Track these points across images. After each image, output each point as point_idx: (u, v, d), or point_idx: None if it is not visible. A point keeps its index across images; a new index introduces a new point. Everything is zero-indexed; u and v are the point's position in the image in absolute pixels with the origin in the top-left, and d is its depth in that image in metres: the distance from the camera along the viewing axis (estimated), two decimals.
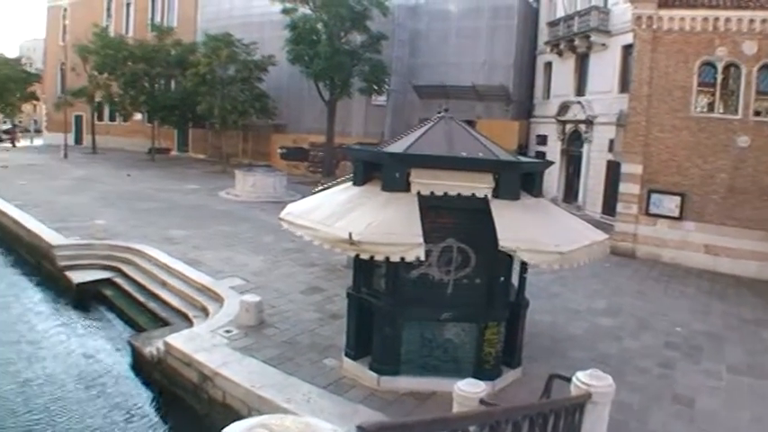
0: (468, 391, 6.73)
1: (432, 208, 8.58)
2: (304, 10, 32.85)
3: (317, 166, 36.61)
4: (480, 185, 8.57)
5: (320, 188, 10.35)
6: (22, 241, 21.83)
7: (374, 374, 9.44)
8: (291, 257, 17.14)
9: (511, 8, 32.34)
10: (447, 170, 8.64)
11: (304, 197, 10.15)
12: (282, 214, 9.44)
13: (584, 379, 6.04)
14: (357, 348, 9.90)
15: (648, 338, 12.74)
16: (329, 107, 33.98)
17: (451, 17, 33.83)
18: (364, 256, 8.19)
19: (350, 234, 7.83)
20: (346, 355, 10.06)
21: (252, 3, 40.69)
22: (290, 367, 10.04)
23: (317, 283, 15.00)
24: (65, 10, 62.49)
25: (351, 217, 8.31)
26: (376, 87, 33.58)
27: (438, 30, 34.09)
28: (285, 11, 32.91)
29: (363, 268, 9.56)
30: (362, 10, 32.14)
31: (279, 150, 40.04)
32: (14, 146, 62.79)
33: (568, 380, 6.28)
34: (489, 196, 8.62)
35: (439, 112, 10.03)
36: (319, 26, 32.46)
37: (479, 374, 8.57)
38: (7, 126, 77.56)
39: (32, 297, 17.73)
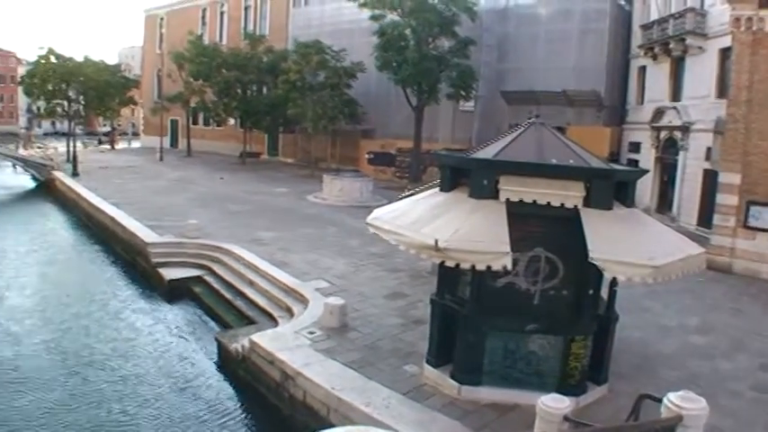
0: (552, 406, 6.50)
1: (520, 216, 8.36)
2: (393, 16, 32.94)
3: (404, 172, 36.67)
4: (571, 194, 8.32)
5: (407, 193, 10.29)
6: (118, 238, 22.85)
7: (455, 383, 9.30)
8: (376, 262, 17.19)
9: (602, 11, 31.38)
10: (537, 177, 8.41)
11: (390, 202, 10.15)
12: (369, 219, 9.44)
13: (676, 401, 5.76)
14: (439, 356, 9.78)
15: (743, 359, 12.01)
16: (417, 113, 33.94)
17: (540, 21, 33.11)
18: (450, 264, 8.07)
19: (436, 240, 7.75)
20: (428, 362, 9.96)
21: (342, 10, 41.11)
22: (371, 371, 10.04)
23: (401, 288, 14.97)
24: (161, 19, 65.24)
25: (437, 223, 8.24)
26: (464, 93, 33.27)
27: (526, 34, 33.44)
28: (374, 17, 33.10)
29: (448, 275, 9.43)
30: (451, 15, 31.98)
31: (366, 155, 40.34)
32: (113, 148, 66.01)
33: (659, 400, 6.01)
34: (580, 205, 8.36)
35: (529, 118, 9.81)
36: (407, 32, 32.43)
37: (564, 389, 8.30)
38: (107, 129, 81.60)
39: (127, 292, 18.61)
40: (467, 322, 9.11)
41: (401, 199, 10.05)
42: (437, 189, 9.62)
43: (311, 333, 11.62)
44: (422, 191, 10.07)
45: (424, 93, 33.07)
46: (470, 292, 9.08)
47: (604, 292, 9.68)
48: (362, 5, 33.38)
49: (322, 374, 9.87)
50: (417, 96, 33.52)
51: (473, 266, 7.95)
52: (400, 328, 12.15)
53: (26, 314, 16.14)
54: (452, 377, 9.38)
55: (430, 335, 10.04)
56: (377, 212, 9.64)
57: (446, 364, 9.66)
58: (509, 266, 7.89)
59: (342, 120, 37.98)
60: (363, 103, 38.93)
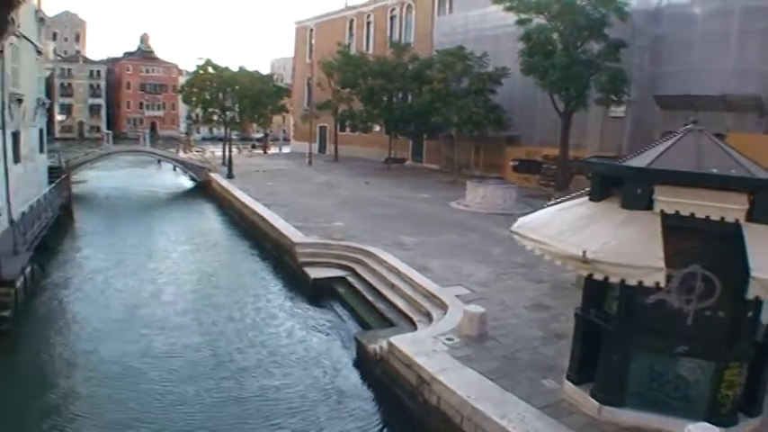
0: None
1: (675, 229, 7.81)
2: (539, 20, 32.04)
3: (550, 180, 35.67)
4: (732, 207, 7.68)
5: (553, 202, 9.94)
6: (267, 237, 23.93)
7: (595, 402, 8.85)
8: (518, 271, 16.81)
9: (765, 10, 28.84)
10: (695, 188, 7.86)
11: (534, 210, 9.83)
12: (514, 227, 9.18)
13: None
14: (580, 373, 9.37)
15: None
16: (564, 119, 32.82)
17: (696, 21, 30.88)
18: (598, 277, 7.71)
19: (584, 252, 7.42)
20: (568, 378, 9.58)
21: (486, 16, 40.57)
22: (508, 383, 9.80)
23: (543, 299, 14.53)
24: (311, 30, 67.75)
25: (585, 234, 7.88)
26: (614, 98, 31.70)
27: (681, 35, 31.27)
28: (520, 22, 32.35)
29: (595, 289, 8.97)
30: (600, 17, 30.65)
31: (511, 162, 39.66)
32: (265, 152, 69.38)
33: None
34: (742, 219, 7.72)
35: (686, 124, 9.17)
36: (554, 36, 31.52)
37: (713, 418, 7.74)
38: (260, 135, 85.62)
39: (275, 288, 19.54)
40: (612, 340, 8.65)
41: (548, 207, 9.69)
42: (586, 198, 9.22)
43: (449, 339, 11.54)
44: (569, 200, 9.68)
45: (572, 98, 31.95)
46: (618, 307, 8.59)
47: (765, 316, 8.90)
48: (508, 9, 32.76)
49: (458, 382, 9.76)
50: (565, 102, 32.43)
51: (622, 281, 7.53)
52: (540, 341, 11.80)
53: (181, 304, 17.30)
54: (593, 396, 8.95)
55: (572, 350, 9.65)
56: (522, 221, 9.36)
57: (587, 381, 9.21)
58: (662, 283, 7.40)
59: (487, 126, 37.59)
60: (508, 109, 38.19)
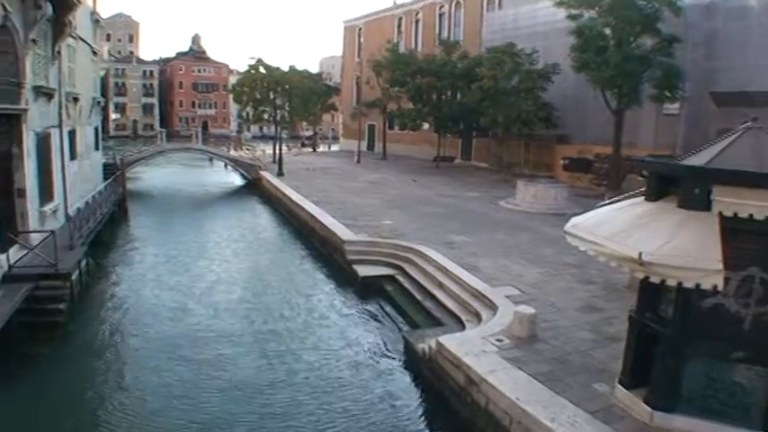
0: None
1: (733, 231, 7.56)
2: (590, 15, 31.38)
3: (602, 179, 35.01)
4: None
5: (607, 201, 9.74)
6: (316, 234, 24.12)
7: (648, 408, 8.63)
8: (570, 272, 16.57)
9: None
10: (755, 189, 7.60)
11: (586, 210, 9.63)
12: (568, 227, 9.00)
13: None
14: (633, 377, 9.15)
15: None
16: (616, 116, 32.07)
17: (752, 14, 29.74)
18: (654, 279, 7.51)
19: (640, 253, 7.23)
20: (620, 382, 9.36)
21: (536, 12, 40.01)
22: (558, 386, 9.66)
23: (595, 301, 14.26)
24: (359, 29, 68.02)
25: (641, 235, 7.67)
26: (668, 94, 30.90)
27: (736, 29, 30.13)
28: (571, 17, 31.75)
29: (650, 291, 8.74)
30: (652, 11, 29.89)
31: (562, 161, 39.08)
32: (314, 150, 69.99)
33: None
34: None
35: (744, 122, 8.87)
36: (606, 31, 30.84)
37: None
38: (309, 133, 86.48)
39: (324, 285, 19.75)
40: (667, 344, 8.43)
41: (601, 207, 9.48)
42: (641, 198, 9.00)
43: (499, 340, 11.44)
44: (624, 199, 9.46)
45: (625, 95, 31.22)
46: (673, 311, 8.35)
47: None
48: (558, 5, 32.18)
49: (507, 383, 9.67)
50: (617, 99, 31.73)
51: (679, 284, 7.35)
52: (591, 344, 11.57)
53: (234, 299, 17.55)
54: (646, 401, 8.72)
55: (625, 354, 9.42)
56: (575, 221, 9.18)
57: (640, 386, 8.99)
58: (720, 286, 7.19)
59: (536, 124, 37.13)
60: (559, 106, 37.61)
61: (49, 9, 18.63)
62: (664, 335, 8.49)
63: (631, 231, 7.84)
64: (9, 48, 16.78)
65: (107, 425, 10.79)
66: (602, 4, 29.97)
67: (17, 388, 12.06)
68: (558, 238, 19.64)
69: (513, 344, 11.34)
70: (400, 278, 17.94)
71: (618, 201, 9.52)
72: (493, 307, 13.58)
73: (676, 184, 8.27)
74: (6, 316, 13.28)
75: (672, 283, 7.42)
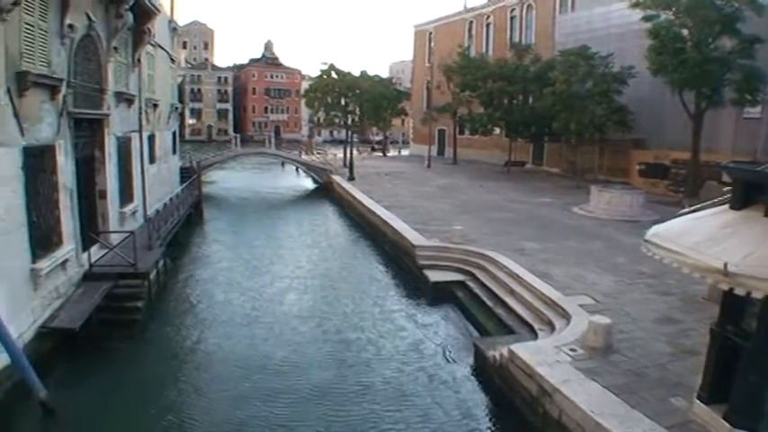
0: None
1: None
2: (667, 16, 30.39)
3: (679, 185, 33.97)
4: None
5: (687, 209, 9.43)
6: (387, 238, 24.26)
7: (728, 425, 8.27)
8: (645, 282, 16.11)
9: None
10: None
11: (662, 218, 9.34)
12: (647, 236, 8.72)
13: None
14: (712, 392, 8.80)
15: None
16: (694, 121, 30.96)
17: None
18: (739, 291, 7.21)
19: (725, 264, 6.95)
20: (698, 397, 9.02)
21: (610, 14, 39.02)
22: (633, 399, 9.39)
23: (672, 313, 13.80)
24: (430, 33, 68.02)
25: (726, 245, 7.37)
26: (749, 98, 29.63)
27: None
28: (646, 18, 30.82)
29: (733, 303, 8.40)
30: (732, 11, 28.72)
31: (637, 166, 38.07)
32: (384, 155, 70.34)
33: None
34: None
35: None
36: (684, 32, 29.83)
37: None
38: (379, 138, 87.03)
39: (394, 289, 19.82)
40: (750, 359, 8.07)
41: (680, 215, 9.18)
42: (725, 206, 8.67)
43: (572, 350, 11.23)
44: (705, 207, 9.14)
45: (704, 98, 30.16)
46: (758, 324, 8.00)
47: None
48: (634, 6, 31.36)
49: (581, 395, 9.47)
50: (696, 102, 30.70)
51: (766, 296, 7.06)
52: (668, 357, 11.21)
53: (306, 306, 17.88)
54: (725, 418, 8.37)
55: (705, 368, 9.08)
56: (655, 230, 8.88)
57: (720, 402, 8.64)
58: None
59: (610, 129, 36.28)
60: (634, 110, 36.49)
61: (130, 18, 19.34)
62: (746, 349, 8.15)
63: (716, 241, 7.54)
64: (93, 55, 17.50)
65: (177, 423, 11.10)
66: (679, 4, 29.04)
67: (96, 380, 12.59)
68: (633, 246, 19.21)
69: (587, 354, 11.11)
70: (471, 284, 17.83)
71: (699, 209, 9.21)
72: (566, 316, 13.34)
73: (764, 192, 7.94)
74: (87, 312, 13.94)
75: (758, 295, 7.11)
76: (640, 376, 10.33)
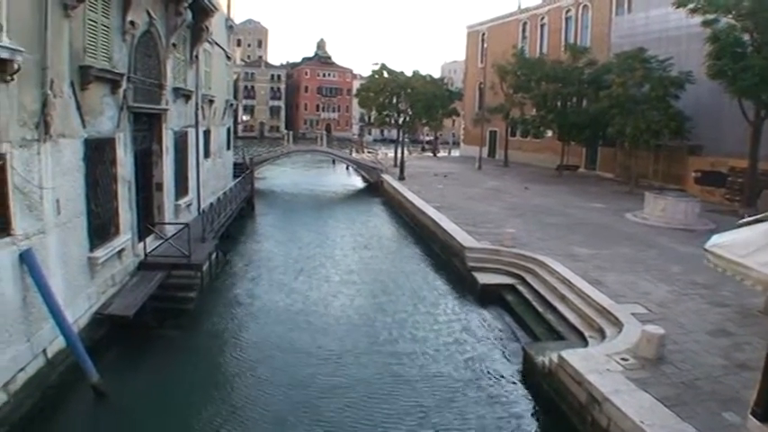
0: None
1: None
2: (727, 20, 29.48)
3: (736, 194, 33.08)
4: None
5: (745, 219, 9.18)
6: (437, 239, 24.29)
7: None
8: (699, 293, 15.70)
9: None
10: None
11: (719, 227, 9.12)
12: (708, 246, 8.50)
13: None
14: None
15: None
16: (754, 128, 30.02)
17: None
18: None
19: None
20: (752, 413, 8.75)
21: (668, 16, 37.71)
22: (685, 411, 9.20)
23: (727, 325, 13.42)
24: (483, 34, 67.62)
25: None
26: None
27: None
28: (706, 23, 29.99)
29: None
30: None
31: (693, 174, 37.17)
32: (435, 155, 70.31)
33: None
34: None
35: None
36: (745, 37, 28.89)
37: None
38: (429, 138, 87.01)
39: (443, 291, 19.78)
40: None
41: (740, 226, 8.93)
42: None
43: (624, 359, 11.04)
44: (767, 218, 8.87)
45: (765, 105, 29.19)
46: None
47: None
48: (692, 11, 30.57)
49: (631, 405, 9.30)
50: (756, 109, 29.74)
51: None
52: (722, 370, 10.92)
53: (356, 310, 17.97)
54: None
55: (760, 383, 8.79)
56: (716, 240, 8.65)
57: None
58: None
59: (666, 135, 35.46)
60: (691, 115, 35.42)
61: (189, 16, 19.72)
62: None
63: None
64: (152, 52, 17.92)
65: (224, 413, 11.29)
66: (740, 8, 28.18)
67: (147, 367, 13.04)
68: (688, 255, 18.94)
69: (638, 364, 10.90)
70: (521, 288, 17.70)
71: (760, 219, 8.95)
72: (618, 324, 13.11)
73: None
74: (141, 301, 14.35)
75: None
76: (692, 388, 10.11)
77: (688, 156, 37.89)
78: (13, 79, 9.73)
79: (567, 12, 55.04)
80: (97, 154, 13.74)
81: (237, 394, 12.10)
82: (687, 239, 21.82)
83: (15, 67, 9.63)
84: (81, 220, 13.00)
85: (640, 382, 10.14)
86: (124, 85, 15.12)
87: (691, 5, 30.14)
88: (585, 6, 52.52)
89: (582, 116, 42.92)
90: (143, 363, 13.19)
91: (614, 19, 47.04)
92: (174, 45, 19.40)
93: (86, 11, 12.77)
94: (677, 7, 31.48)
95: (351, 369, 13.44)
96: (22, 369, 10.33)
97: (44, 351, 11.20)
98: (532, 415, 11.62)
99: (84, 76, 12.79)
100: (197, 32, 22.53)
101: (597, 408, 9.84)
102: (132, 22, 15.36)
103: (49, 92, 11.08)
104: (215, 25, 25.41)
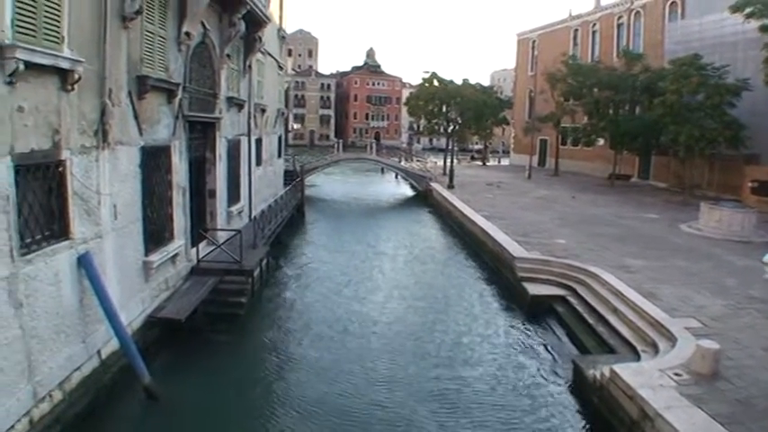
0: None
1: None
2: None
3: None
4: None
5: None
6: (486, 248, 24.18)
7: None
8: (756, 307, 15.20)
9: None
10: None
11: None
12: (766, 259, 8.32)
13: None
14: None
15: None
16: None
17: None
18: None
19: None
20: None
21: (723, 22, 36.88)
22: (739, 430, 8.97)
23: None
24: (533, 41, 67.28)
25: None
26: None
27: None
28: (762, 28, 29.14)
29: None
30: None
31: (749, 184, 36.13)
32: (484, 164, 70.09)
33: None
34: None
35: None
36: None
37: None
38: (479, 146, 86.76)
39: (492, 301, 19.75)
40: None
41: None
42: None
43: (677, 375, 10.79)
44: None
45: None
46: None
47: None
48: (748, 17, 29.79)
49: (685, 422, 9.09)
50: None
51: None
52: None
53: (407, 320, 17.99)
54: None
55: None
56: None
57: None
58: None
59: (722, 143, 34.54)
60: (748, 124, 34.34)
61: (242, 27, 20.06)
62: None
63: None
64: (207, 62, 18.31)
65: (272, 418, 11.46)
66: None
67: (198, 370, 13.26)
68: (744, 268, 18.46)
69: (692, 380, 10.64)
70: (572, 299, 17.43)
71: None
72: (671, 338, 12.81)
73: None
74: (193, 305, 14.67)
75: None
76: (748, 406, 9.83)
77: (744, 165, 36.88)
78: (73, 89, 10.09)
79: (619, 18, 54.21)
80: (153, 161, 14.09)
81: (282, 401, 12.21)
82: (743, 252, 21.24)
83: (76, 77, 10.00)
84: (137, 225, 13.32)
85: (694, 399, 9.90)
86: (179, 94, 15.44)
87: (747, 10, 29.44)
88: (638, 13, 51.68)
89: (635, 124, 42.10)
90: (193, 366, 13.45)
91: (668, 25, 46.13)
92: (227, 55, 19.76)
93: (143, 22, 13.10)
94: (733, 12, 30.79)
95: (395, 386, 13.17)
96: (77, 369, 10.63)
97: (98, 352, 11.50)
98: (582, 429, 11.45)
99: (142, 86, 13.12)
100: (250, 43, 22.92)
101: (649, 424, 9.65)
102: (188, 33, 15.69)
103: (108, 101, 11.42)
104: (267, 36, 25.78)
